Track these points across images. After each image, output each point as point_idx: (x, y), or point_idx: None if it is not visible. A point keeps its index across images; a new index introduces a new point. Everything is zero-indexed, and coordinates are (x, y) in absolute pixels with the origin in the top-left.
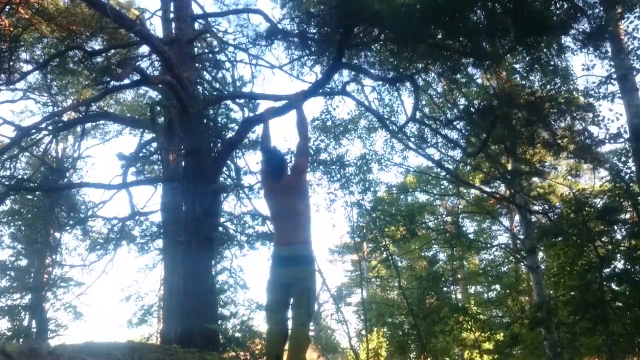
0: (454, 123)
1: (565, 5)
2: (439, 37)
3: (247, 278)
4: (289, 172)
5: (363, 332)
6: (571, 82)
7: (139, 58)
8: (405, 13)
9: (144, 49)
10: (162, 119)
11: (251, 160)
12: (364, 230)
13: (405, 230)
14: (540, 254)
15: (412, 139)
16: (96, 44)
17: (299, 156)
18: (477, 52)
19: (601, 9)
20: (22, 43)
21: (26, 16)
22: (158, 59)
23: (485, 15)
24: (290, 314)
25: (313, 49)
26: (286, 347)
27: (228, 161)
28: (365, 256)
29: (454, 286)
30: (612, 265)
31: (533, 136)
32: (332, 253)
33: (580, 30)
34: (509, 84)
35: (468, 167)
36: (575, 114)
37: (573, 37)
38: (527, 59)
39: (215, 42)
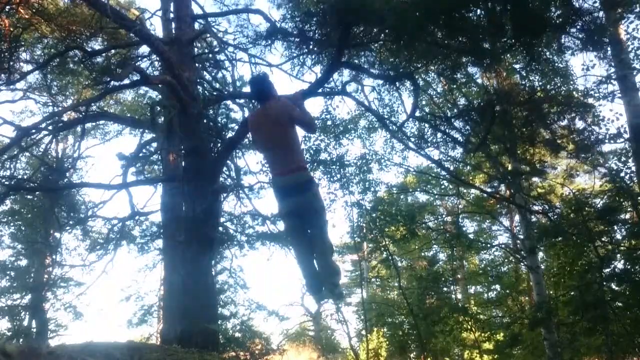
0: (454, 121)
1: (565, 5)
2: (439, 36)
3: (247, 278)
4: (287, 105)
5: (363, 332)
6: (571, 82)
7: (139, 58)
8: (404, 11)
9: (144, 49)
10: (162, 119)
11: (251, 160)
12: (364, 230)
13: (405, 230)
14: (540, 254)
15: (412, 139)
16: (96, 44)
17: (299, 112)
18: (477, 50)
19: (600, 9)
20: (22, 43)
21: (26, 16)
22: (158, 59)
23: (484, 14)
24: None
25: (313, 48)
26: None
27: (228, 161)
28: (365, 256)
29: (454, 286)
30: (612, 265)
31: (533, 135)
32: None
33: (580, 29)
34: (509, 81)
35: (468, 167)
36: (574, 114)
37: (573, 37)
38: (526, 58)
39: (215, 42)
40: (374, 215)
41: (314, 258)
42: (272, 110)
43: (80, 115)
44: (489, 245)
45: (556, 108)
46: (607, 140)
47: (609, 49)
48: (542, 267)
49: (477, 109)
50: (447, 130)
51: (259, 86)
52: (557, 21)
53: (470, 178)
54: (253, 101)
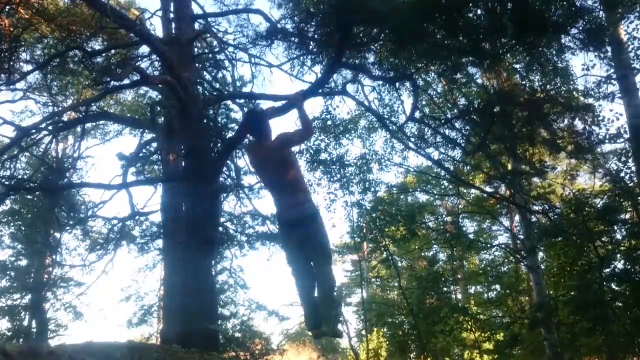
0: (454, 122)
1: (565, 5)
2: (439, 36)
3: (247, 278)
4: (277, 139)
5: (363, 332)
6: (571, 82)
7: (139, 58)
8: (404, 11)
9: (144, 49)
10: (162, 119)
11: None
12: (364, 230)
13: (405, 230)
14: (540, 254)
15: (412, 139)
16: (96, 44)
17: (293, 134)
18: (477, 50)
19: (601, 9)
20: (22, 43)
21: (26, 16)
22: (158, 59)
23: (484, 13)
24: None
25: (313, 49)
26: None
27: (228, 161)
28: (365, 256)
29: (454, 286)
30: (612, 265)
31: (533, 135)
32: (332, 253)
33: (580, 29)
34: (509, 82)
35: (468, 167)
36: (575, 113)
37: (573, 37)
38: (527, 58)
39: (215, 42)
40: (374, 215)
41: (314, 293)
42: (270, 150)
43: (80, 115)
44: (489, 245)
45: (556, 108)
46: (607, 141)
47: (609, 49)
48: (542, 267)
49: (477, 109)
50: (446, 133)
51: (256, 125)
52: (558, 20)
53: (470, 178)
54: (248, 135)
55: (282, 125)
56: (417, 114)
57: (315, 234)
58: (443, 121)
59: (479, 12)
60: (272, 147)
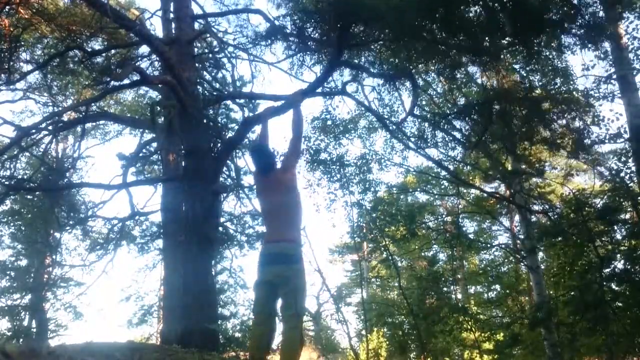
0: (453, 119)
1: (563, 3)
2: (438, 34)
3: (247, 278)
4: (280, 167)
5: (363, 332)
6: (571, 82)
7: (139, 58)
8: (401, 8)
9: (144, 49)
10: (162, 119)
11: (251, 161)
12: (364, 230)
13: (405, 230)
14: (540, 254)
15: (412, 139)
16: (96, 44)
17: (290, 154)
18: (475, 48)
19: (600, 8)
20: (22, 43)
21: (26, 16)
22: (158, 59)
23: (482, 11)
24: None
25: (312, 48)
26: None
27: (228, 161)
28: (365, 256)
29: (454, 286)
30: (612, 265)
31: (532, 134)
32: (332, 253)
33: (579, 26)
34: (508, 79)
35: (468, 166)
36: (574, 113)
37: (573, 35)
38: (526, 57)
39: (215, 42)
40: (374, 215)
41: (267, 338)
42: (275, 179)
43: (80, 115)
44: (489, 245)
45: (556, 107)
46: (607, 140)
47: (608, 48)
48: (542, 267)
49: (475, 105)
50: (446, 128)
51: (266, 164)
52: (557, 18)
53: (470, 178)
54: (255, 171)
55: (282, 124)
56: (417, 112)
57: (292, 278)
58: (442, 116)
59: (477, 10)
60: (277, 174)
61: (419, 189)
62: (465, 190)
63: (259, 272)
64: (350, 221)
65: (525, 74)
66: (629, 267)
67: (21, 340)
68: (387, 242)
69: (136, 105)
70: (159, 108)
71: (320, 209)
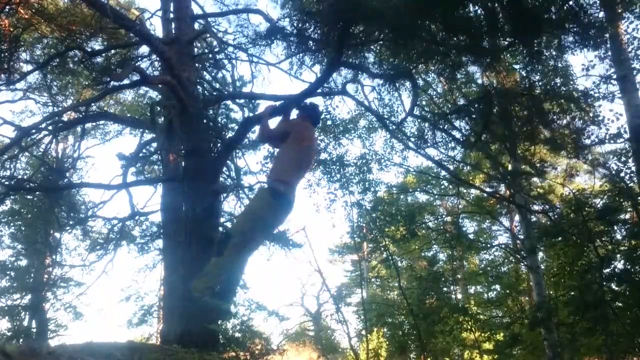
0: (452, 118)
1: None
2: (437, 34)
3: (247, 278)
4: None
5: (363, 332)
6: (571, 82)
7: (139, 58)
8: (401, 8)
9: (144, 49)
10: (162, 119)
11: (251, 161)
12: (364, 230)
13: (405, 230)
14: (540, 254)
15: (412, 139)
16: (96, 44)
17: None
18: (475, 48)
19: (600, 8)
20: (22, 43)
21: (26, 16)
22: (158, 59)
23: (482, 11)
24: None
25: (312, 48)
26: None
27: (228, 161)
28: (365, 256)
29: (454, 286)
30: (612, 266)
31: (533, 134)
32: (332, 253)
33: (579, 26)
34: (508, 79)
35: (468, 167)
36: (574, 113)
37: (573, 35)
38: (526, 58)
39: (215, 42)
40: (374, 215)
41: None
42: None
43: (80, 115)
44: (489, 245)
45: (556, 107)
46: (607, 140)
47: (608, 48)
48: (542, 267)
49: (475, 103)
50: (446, 128)
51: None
52: (557, 18)
53: (470, 178)
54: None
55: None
56: (417, 112)
57: None
58: (442, 115)
59: (477, 10)
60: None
61: (419, 189)
62: (465, 190)
63: (278, 216)
64: (350, 221)
65: (525, 74)
66: (629, 267)
67: (21, 340)
68: (387, 242)
69: (136, 105)
70: (159, 108)
71: (320, 209)
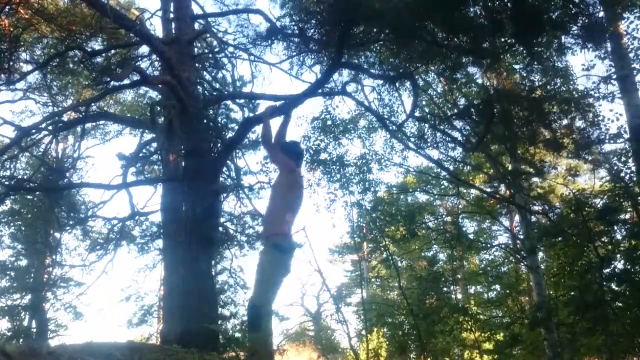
0: (453, 120)
1: (563, 3)
2: (438, 35)
3: (247, 278)
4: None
5: (363, 332)
6: (571, 82)
7: (139, 58)
8: (402, 9)
9: (144, 49)
10: (162, 119)
11: (251, 161)
12: (364, 230)
13: (405, 230)
14: (540, 254)
15: (412, 139)
16: (96, 44)
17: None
18: (476, 49)
19: (600, 8)
20: (22, 43)
21: (26, 16)
22: (158, 59)
23: (482, 11)
24: None
25: (313, 48)
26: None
27: (228, 161)
28: (365, 256)
29: (454, 286)
30: (612, 266)
31: (534, 135)
32: (332, 253)
33: (580, 27)
34: (509, 80)
35: (468, 167)
36: (574, 113)
37: (573, 35)
38: (526, 59)
39: (215, 42)
40: (374, 215)
41: None
42: (302, 177)
43: (80, 115)
44: (489, 245)
45: (557, 107)
46: (607, 140)
47: (609, 48)
48: (542, 267)
49: (476, 106)
50: (446, 130)
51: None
52: (557, 18)
53: (470, 178)
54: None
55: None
56: (418, 113)
57: None
58: (443, 118)
59: (478, 11)
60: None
61: (418, 189)
62: (465, 191)
63: (286, 266)
64: (350, 221)
65: (525, 75)
66: (629, 267)
67: (21, 340)
68: (387, 242)
69: (136, 105)
70: (159, 108)
71: (320, 209)
